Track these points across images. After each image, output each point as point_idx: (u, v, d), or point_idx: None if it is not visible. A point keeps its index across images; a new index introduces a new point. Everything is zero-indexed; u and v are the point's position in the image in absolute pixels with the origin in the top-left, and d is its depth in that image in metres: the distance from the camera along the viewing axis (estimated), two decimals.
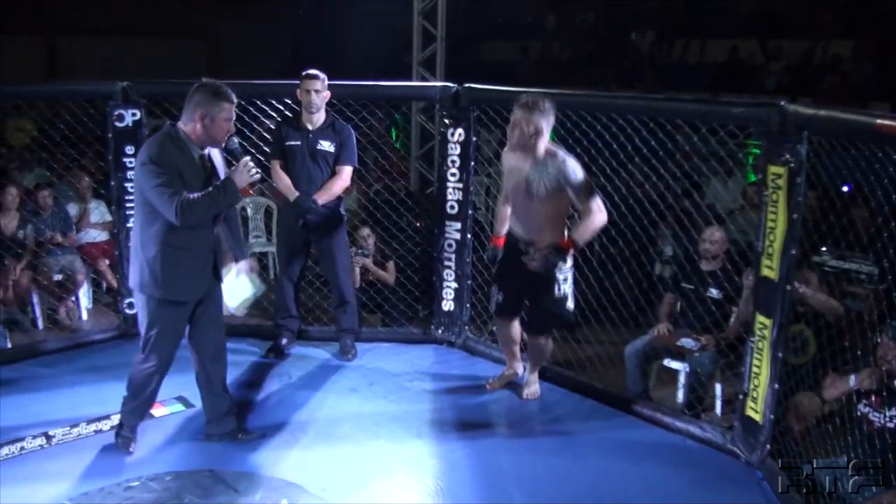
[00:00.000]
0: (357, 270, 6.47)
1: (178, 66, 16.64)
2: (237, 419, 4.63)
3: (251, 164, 4.07)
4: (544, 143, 4.51)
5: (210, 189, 4.02)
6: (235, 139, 4.17)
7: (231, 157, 4.22)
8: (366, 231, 6.75)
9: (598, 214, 4.45)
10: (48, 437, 4.58)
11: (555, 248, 4.57)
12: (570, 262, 4.74)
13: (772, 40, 14.34)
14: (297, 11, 17.95)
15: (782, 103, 4.21)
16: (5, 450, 4.44)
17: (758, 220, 4.46)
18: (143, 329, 4.24)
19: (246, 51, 17.25)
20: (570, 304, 4.85)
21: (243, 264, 4.41)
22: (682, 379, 5.39)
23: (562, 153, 4.50)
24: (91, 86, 6.21)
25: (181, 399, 4.96)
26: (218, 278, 4.29)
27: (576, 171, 4.45)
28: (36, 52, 18.22)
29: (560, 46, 17.11)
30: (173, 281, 4.10)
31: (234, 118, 4.09)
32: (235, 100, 4.07)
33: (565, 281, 4.76)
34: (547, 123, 4.47)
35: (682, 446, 4.74)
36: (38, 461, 4.37)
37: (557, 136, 6.00)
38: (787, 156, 4.12)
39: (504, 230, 4.94)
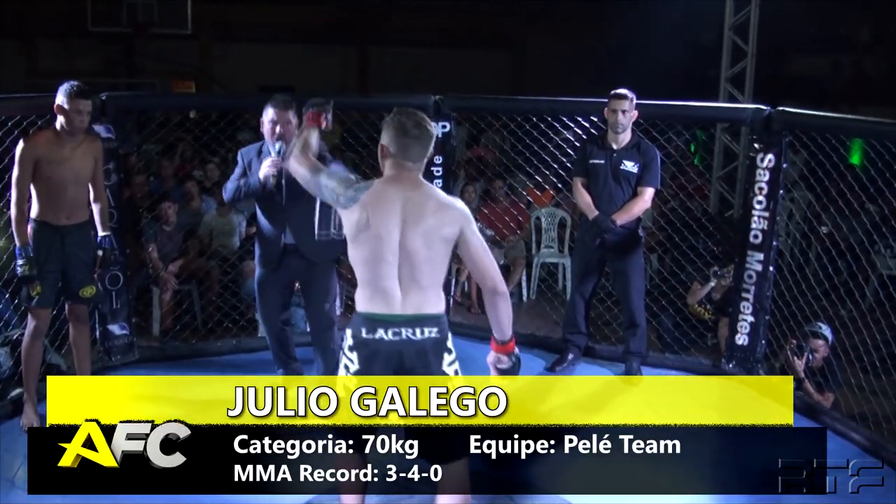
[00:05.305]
0: (703, 286, 6.44)
1: (483, 77, 17.22)
2: None
3: (268, 165, 4.44)
4: None
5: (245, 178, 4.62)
6: (282, 145, 4.44)
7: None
8: None
9: None
10: None
11: None
12: None
13: None
14: (603, 25, 17.87)
15: None
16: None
17: None
18: None
19: (550, 65, 17.43)
20: None
21: None
22: None
23: None
24: (405, 99, 6.12)
25: None
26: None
27: None
28: (348, 61, 19.64)
29: (874, 61, 15.86)
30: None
31: (277, 121, 4.48)
32: (283, 106, 4.51)
33: None
34: None
35: None
36: None
37: (874, 167, 5.55)
38: None
39: None
